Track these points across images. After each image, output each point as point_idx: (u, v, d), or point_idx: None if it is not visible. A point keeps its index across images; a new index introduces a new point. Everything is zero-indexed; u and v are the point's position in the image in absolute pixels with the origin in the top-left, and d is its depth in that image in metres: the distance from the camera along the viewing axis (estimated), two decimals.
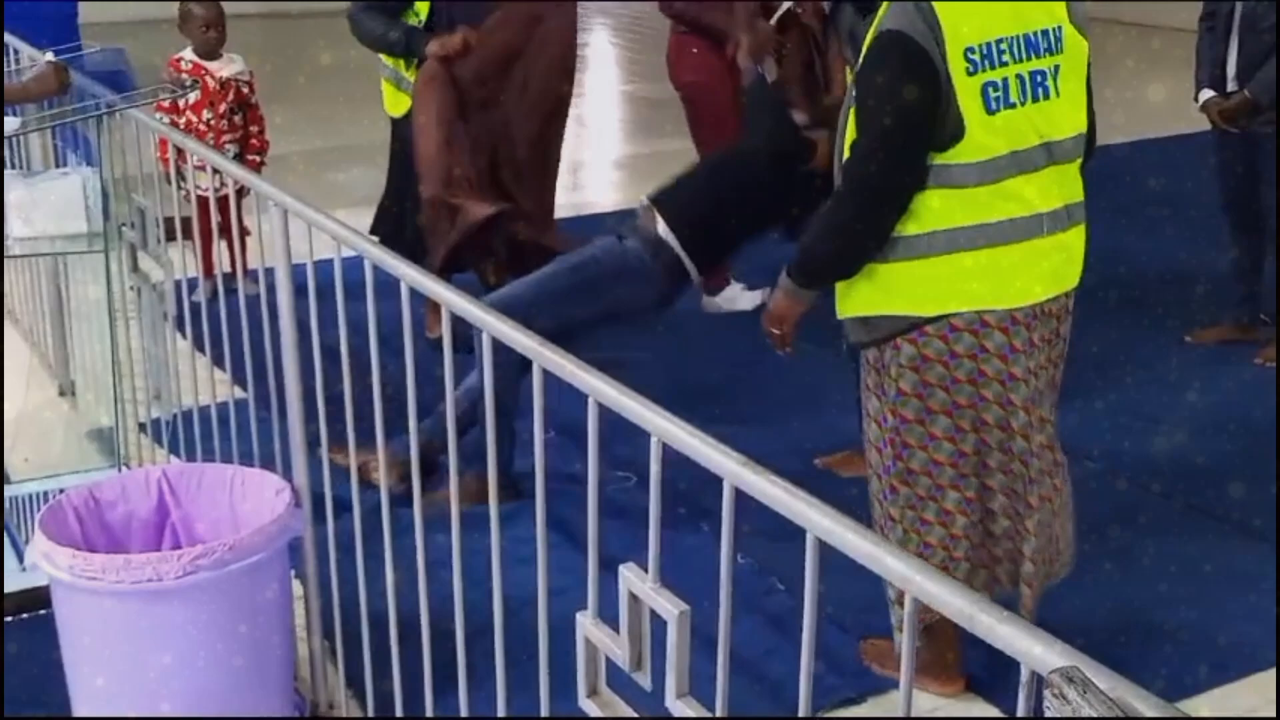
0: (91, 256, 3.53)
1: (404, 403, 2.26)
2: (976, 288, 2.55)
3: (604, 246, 3.71)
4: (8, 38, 4.29)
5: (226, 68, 5.18)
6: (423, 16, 4.26)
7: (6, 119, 3.08)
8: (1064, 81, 2.58)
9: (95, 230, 3.24)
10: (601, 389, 1.68)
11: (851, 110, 2.60)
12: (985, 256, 2.54)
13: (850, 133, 2.59)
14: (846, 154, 2.61)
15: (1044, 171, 2.57)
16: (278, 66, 8.91)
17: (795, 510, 1.38)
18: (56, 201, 3.19)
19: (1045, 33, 2.56)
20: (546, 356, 1.81)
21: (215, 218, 4.22)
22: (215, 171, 4.53)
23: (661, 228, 3.65)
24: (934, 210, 2.53)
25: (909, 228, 2.55)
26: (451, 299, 2.07)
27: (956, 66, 2.46)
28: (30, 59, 3.90)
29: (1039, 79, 2.53)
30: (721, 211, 3.70)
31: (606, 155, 8.27)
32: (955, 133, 2.48)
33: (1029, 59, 2.52)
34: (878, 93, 2.52)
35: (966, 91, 2.47)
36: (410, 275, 2.18)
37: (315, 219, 2.44)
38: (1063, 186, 2.62)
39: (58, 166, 3.80)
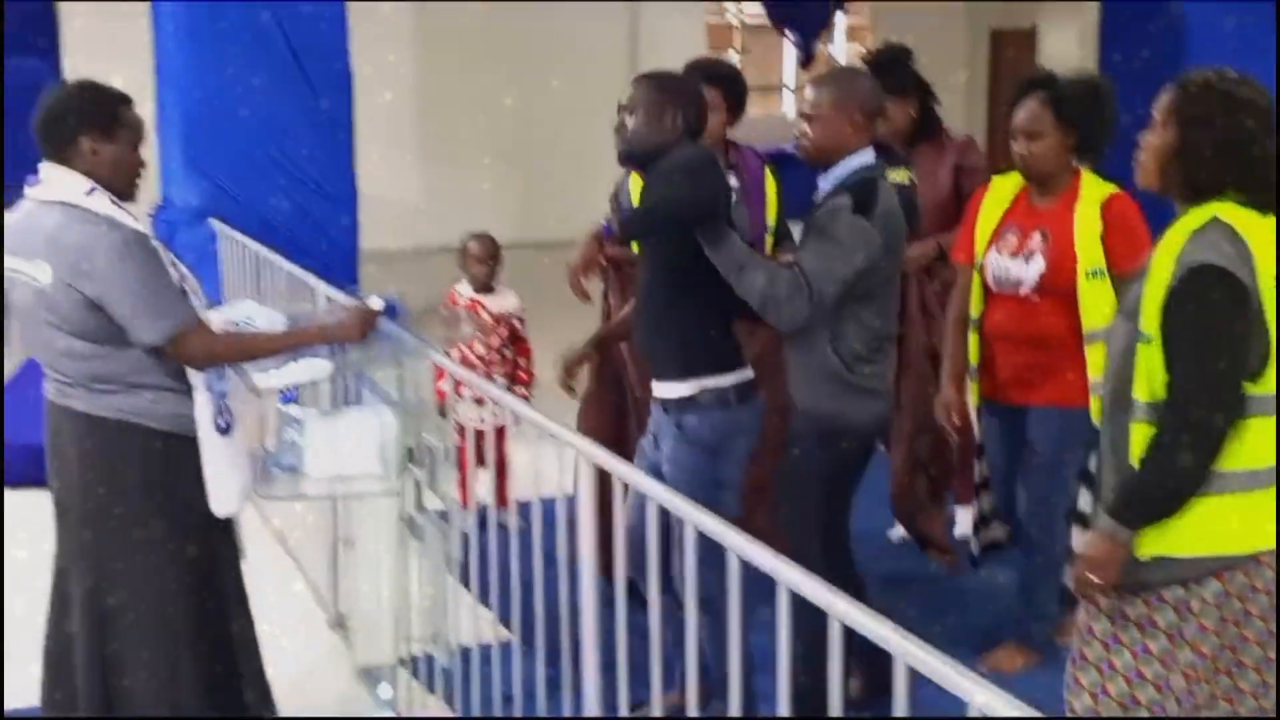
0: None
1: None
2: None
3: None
4: (299, 270, 4.45)
5: (502, 303, 5.25)
6: None
7: (317, 360, 3.10)
8: None
9: (389, 469, 3.21)
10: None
11: None
12: None
13: None
14: (1159, 392, 2.48)
15: None
16: (540, 295, 9.12)
17: None
18: (353, 440, 3.18)
19: None
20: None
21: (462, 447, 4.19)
22: (481, 403, 4.60)
23: None
24: (1247, 443, 2.45)
25: (1226, 462, 2.46)
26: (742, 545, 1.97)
27: (1267, 293, 2.39)
28: (327, 296, 3.99)
29: None
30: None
31: None
32: (1264, 357, 2.41)
33: None
34: (1202, 332, 2.42)
35: (1274, 316, 2.40)
36: (698, 519, 2.09)
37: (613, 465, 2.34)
38: None
39: (343, 401, 3.83)
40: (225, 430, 3.04)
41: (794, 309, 3.20)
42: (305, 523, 4.64)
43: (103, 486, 2.99)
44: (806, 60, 16.07)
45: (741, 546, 2.09)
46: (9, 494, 5.46)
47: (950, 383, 3.97)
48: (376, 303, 3.13)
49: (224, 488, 3.03)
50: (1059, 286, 3.60)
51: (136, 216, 3.00)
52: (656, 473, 3.26)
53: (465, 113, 11.12)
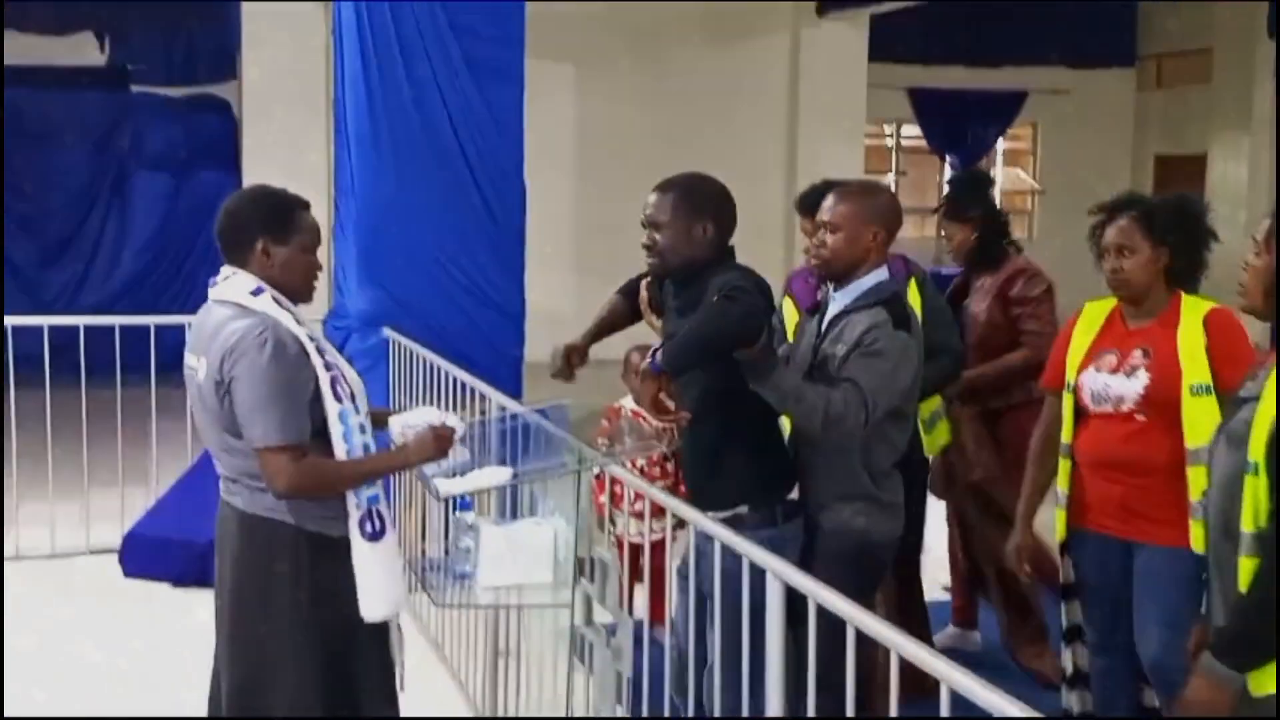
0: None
1: None
2: None
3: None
4: (471, 378, 4.49)
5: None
6: None
7: (498, 468, 3.09)
8: None
9: (562, 581, 3.17)
10: None
11: None
12: None
13: None
14: (1264, 524, 2.36)
15: None
16: None
17: None
18: (526, 550, 3.15)
19: None
20: None
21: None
22: (641, 516, 4.54)
23: None
24: None
25: None
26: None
27: None
28: (500, 405, 4.00)
29: None
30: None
31: None
32: None
33: None
34: None
35: None
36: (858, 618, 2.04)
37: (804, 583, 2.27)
38: None
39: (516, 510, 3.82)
40: (375, 536, 3.03)
41: (855, 425, 3.15)
42: (463, 632, 4.61)
43: (251, 586, 3.03)
44: None
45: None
46: (179, 591, 5.58)
47: (1024, 525, 3.75)
48: (454, 421, 3.10)
49: (373, 593, 3.03)
50: (1164, 402, 3.37)
51: (301, 319, 3.06)
52: (701, 602, 3.18)
53: (622, 231, 11.23)
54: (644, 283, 3.92)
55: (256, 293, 3.01)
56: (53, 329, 6.07)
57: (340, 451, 2.99)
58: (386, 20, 5.69)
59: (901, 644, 2.06)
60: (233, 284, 3.03)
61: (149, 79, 11.88)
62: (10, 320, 6.14)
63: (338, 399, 2.99)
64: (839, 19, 12.77)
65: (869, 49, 13.06)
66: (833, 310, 3.39)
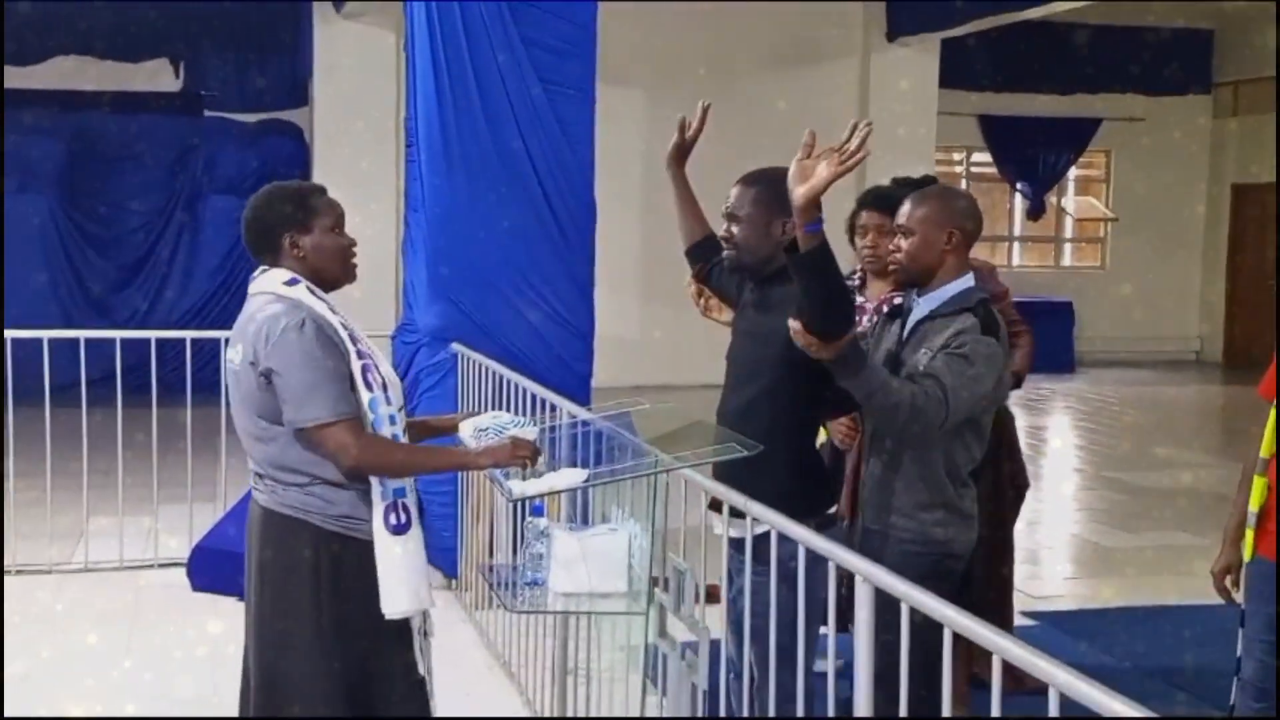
0: (608, 617, 3.39)
1: None
2: None
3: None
4: (542, 390, 4.43)
5: None
6: None
7: (572, 470, 3.02)
8: None
9: (636, 590, 3.09)
10: None
11: None
12: None
13: None
14: None
15: None
16: None
17: None
18: (601, 558, 3.07)
19: None
20: None
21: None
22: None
23: None
24: None
25: None
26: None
27: None
28: (569, 413, 3.94)
29: None
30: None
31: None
32: None
33: None
34: None
35: None
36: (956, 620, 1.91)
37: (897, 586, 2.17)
38: None
39: (589, 517, 3.75)
40: (399, 529, 2.99)
41: (934, 420, 3.06)
42: (531, 648, 4.53)
43: (273, 583, 3.03)
44: (1035, 213, 15.79)
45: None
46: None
47: (1232, 541, 3.56)
48: (530, 432, 3.04)
49: (396, 587, 2.98)
50: None
51: (336, 308, 3.07)
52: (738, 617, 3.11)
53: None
54: (690, 277, 3.86)
55: (291, 283, 3.04)
56: (125, 348, 6.10)
57: None
58: (458, 33, 5.68)
59: (1007, 647, 1.95)
60: (269, 276, 3.07)
61: (222, 105, 12.04)
62: (84, 334, 6.21)
63: (369, 387, 2.98)
64: (909, 44, 12.68)
65: (940, 75, 12.95)
66: (915, 316, 3.31)
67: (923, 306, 3.29)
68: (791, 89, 12.26)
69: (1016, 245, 16.44)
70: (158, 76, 11.89)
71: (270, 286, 3.04)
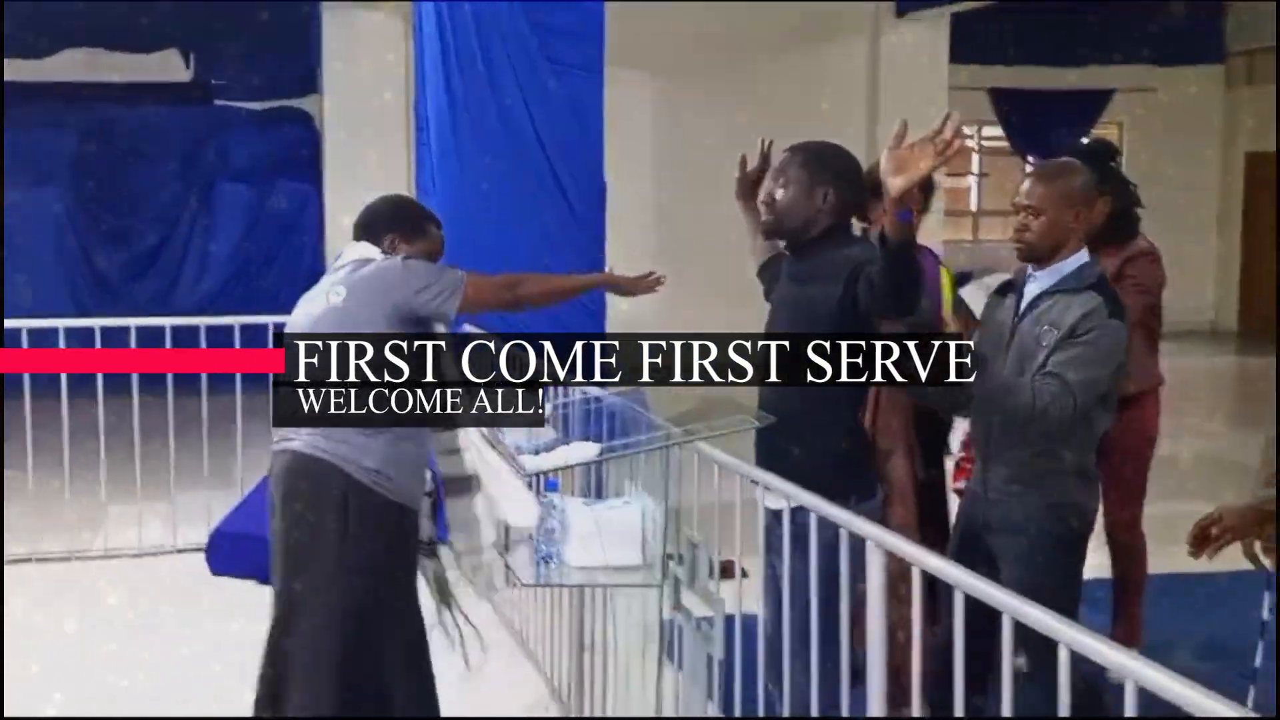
0: (625, 590, 3.41)
1: None
2: None
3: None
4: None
5: None
6: None
7: (584, 444, 3.04)
8: None
9: (650, 563, 3.10)
10: None
11: None
12: None
13: None
14: None
15: None
16: None
17: None
18: (615, 531, 3.09)
19: None
20: None
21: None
22: None
23: None
24: None
25: None
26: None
27: None
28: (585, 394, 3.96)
29: None
30: None
31: None
32: None
33: None
34: None
35: None
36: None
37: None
38: None
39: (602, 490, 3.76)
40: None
41: (1059, 418, 3.09)
42: (548, 624, 4.56)
43: (297, 524, 3.17)
44: None
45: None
46: (264, 589, 5.59)
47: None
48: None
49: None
50: None
51: None
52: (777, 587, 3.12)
53: (701, 236, 11.19)
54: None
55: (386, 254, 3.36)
56: (141, 337, 6.13)
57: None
58: (466, 17, 5.69)
59: (1075, 637, 1.93)
60: (359, 249, 3.34)
61: (232, 94, 12.05)
62: (99, 322, 6.22)
63: None
64: (919, 20, 12.61)
65: (950, 50, 12.88)
66: (1033, 290, 3.32)
67: (1040, 280, 3.31)
68: (801, 66, 12.21)
69: None
70: (168, 67, 11.90)
71: (364, 254, 3.34)
